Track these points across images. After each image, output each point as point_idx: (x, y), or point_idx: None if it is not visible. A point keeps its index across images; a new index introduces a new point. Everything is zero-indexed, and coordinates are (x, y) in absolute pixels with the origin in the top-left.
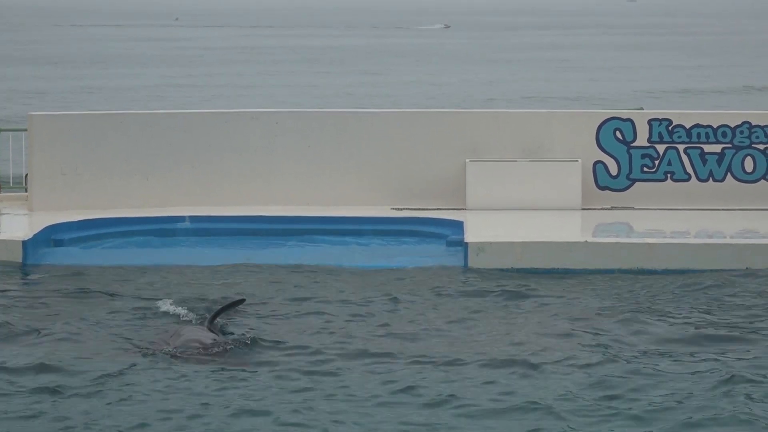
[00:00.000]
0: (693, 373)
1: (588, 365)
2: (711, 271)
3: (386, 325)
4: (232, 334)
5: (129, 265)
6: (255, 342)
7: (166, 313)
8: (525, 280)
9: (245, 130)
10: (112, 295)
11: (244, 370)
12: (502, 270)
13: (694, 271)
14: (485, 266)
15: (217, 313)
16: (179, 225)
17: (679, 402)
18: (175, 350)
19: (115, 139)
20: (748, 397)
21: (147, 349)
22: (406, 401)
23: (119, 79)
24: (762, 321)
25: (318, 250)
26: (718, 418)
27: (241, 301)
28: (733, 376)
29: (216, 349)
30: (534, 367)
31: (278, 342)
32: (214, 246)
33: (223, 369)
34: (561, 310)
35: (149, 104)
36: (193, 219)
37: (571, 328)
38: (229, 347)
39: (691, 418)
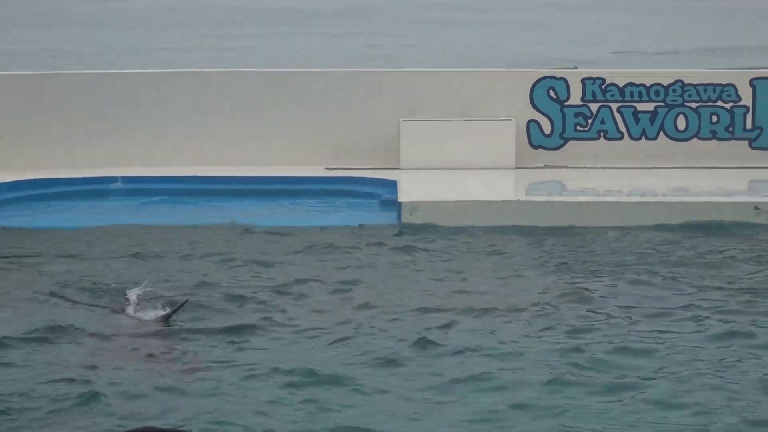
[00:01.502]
0: (626, 324)
1: (523, 320)
2: (643, 227)
3: (320, 283)
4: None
5: (59, 228)
6: (191, 304)
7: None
8: (458, 238)
9: (178, 91)
10: (39, 256)
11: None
12: (435, 229)
13: (626, 229)
14: (418, 225)
15: (168, 316)
16: (111, 186)
17: (609, 353)
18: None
19: (44, 100)
20: (676, 343)
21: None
22: (342, 358)
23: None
24: (693, 276)
25: (252, 211)
26: (639, 356)
27: (185, 302)
28: (661, 326)
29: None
30: (467, 323)
31: (214, 303)
32: (147, 207)
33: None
34: (494, 268)
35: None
36: (126, 179)
37: (505, 285)
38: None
39: (620, 369)
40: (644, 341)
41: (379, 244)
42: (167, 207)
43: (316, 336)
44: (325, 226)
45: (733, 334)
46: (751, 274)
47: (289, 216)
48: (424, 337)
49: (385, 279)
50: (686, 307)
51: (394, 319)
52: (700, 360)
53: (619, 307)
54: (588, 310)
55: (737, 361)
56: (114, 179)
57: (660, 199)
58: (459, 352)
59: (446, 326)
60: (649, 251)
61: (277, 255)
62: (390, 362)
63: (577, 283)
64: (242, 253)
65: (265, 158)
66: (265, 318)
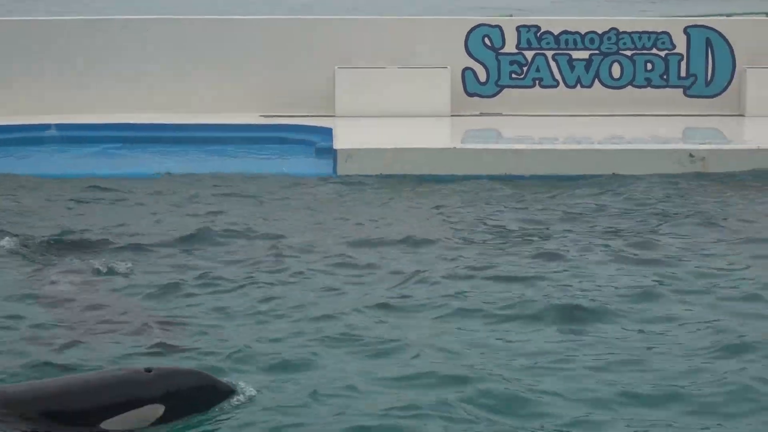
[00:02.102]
0: (558, 271)
1: (456, 266)
2: (579, 176)
3: (254, 231)
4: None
5: None
6: (134, 270)
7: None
8: (394, 186)
9: (114, 38)
10: None
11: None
12: (371, 176)
13: (562, 177)
14: (354, 173)
15: None
16: (45, 133)
17: (540, 298)
18: None
19: None
20: (603, 292)
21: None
22: (283, 305)
23: None
24: (627, 223)
25: (186, 158)
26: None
27: None
28: (590, 274)
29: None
30: (407, 268)
31: (150, 254)
32: (82, 154)
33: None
34: (430, 215)
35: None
36: (60, 127)
37: (442, 232)
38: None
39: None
40: (573, 287)
41: (315, 191)
42: (100, 155)
43: (246, 285)
44: (260, 173)
45: (661, 283)
46: (686, 221)
47: (224, 164)
48: (358, 284)
49: (319, 226)
50: (618, 255)
51: (327, 266)
52: (623, 298)
53: (552, 253)
54: (522, 257)
55: (661, 307)
56: (47, 126)
57: (595, 146)
58: (391, 298)
59: (381, 273)
60: (584, 199)
61: (211, 203)
62: (309, 309)
63: (512, 230)
64: (177, 201)
65: (200, 106)
66: (196, 267)
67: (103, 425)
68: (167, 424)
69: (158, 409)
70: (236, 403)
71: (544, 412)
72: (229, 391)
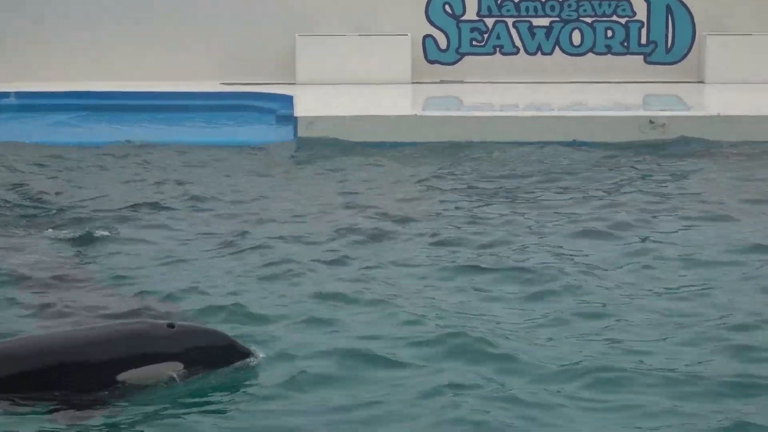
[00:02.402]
0: (520, 237)
1: (416, 233)
2: (539, 143)
3: (216, 200)
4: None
5: None
6: (99, 237)
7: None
8: (355, 153)
9: (74, 4)
10: None
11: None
12: (331, 144)
13: (522, 144)
14: (315, 140)
15: None
16: (4, 101)
17: (502, 265)
18: None
19: None
20: (572, 259)
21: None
22: (247, 270)
23: None
24: (587, 189)
25: (146, 127)
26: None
27: None
28: (554, 241)
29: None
30: (362, 237)
31: (108, 222)
32: (41, 123)
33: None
34: (391, 182)
35: None
36: (19, 95)
37: (403, 199)
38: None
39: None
40: (535, 255)
41: (275, 159)
42: (59, 123)
43: (211, 249)
44: (221, 141)
45: (627, 250)
46: (644, 187)
47: (184, 132)
48: (318, 251)
49: (280, 194)
50: (578, 221)
51: (288, 233)
52: (590, 267)
53: (514, 221)
54: (482, 224)
55: (615, 272)
56: (6, 95)
57: (555, 113)
58: (351, 265)
59: (341, 240)
60: (545, 166)
61: (170, 171)
62: (280, 277)
63: (472, 197)
64: (136, 170)
65: (160, 73)
66: (159, 233)
67: (119, 377)
68: (182, 382)
69: (177, 366)
70: (251, 365)
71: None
72: (247, 354)
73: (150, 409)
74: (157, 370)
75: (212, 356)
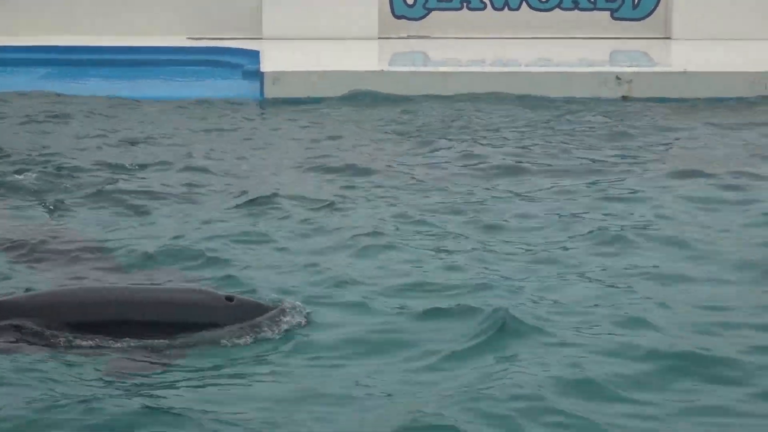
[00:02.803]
0: (489, 189)
1: (380, 186)
2: (506, 97)
3: (187, 156)
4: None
5: None
6: (64, 192)
7: None
8: (321, 108)
9: None
10: None
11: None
12: (298, 99)
13: (490, 99)
14: (281, 96)
15: None
16: None
17: (465, 218)
18: None
19: None
20: (523, 211)
21: None
22: (212, 231)
23: None
24: (555, 145)
25: (113, 81)
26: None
27: None
28: (516, 189)
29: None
30: (326, 191)
31: (78, 176)
32: (6, 75)
33: None
34: (356, 136)
35: None
36: None
37: (368, 153)
38: None
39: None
40: (493, 208)
41: (242, 114)
42: (27, 77)
43: (173, 204)
44: (188, 96)
45: (588, 204)
46: (610, 143)
47: (152, 87)
48: (281, 202)
49: (246, 148)
50: (539, 176)
51: (252, 187)
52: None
53: (475, 175)
54: (444, 177)
55: (571, 224)
56: None
57: (522, 69)
58: (316, 218)
59: (303, 192)
60: (512, 121)
61: (137, 126)
62: (249, 233)
63: (438, 150)
64: (103, 124)
65: (127, 28)
66: (124, 189)
67: (172, 341)
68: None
69: (231, 335)
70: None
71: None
72: (291, 321)
73: (188, 378)
74: (212, 338)
75: (262, 327)
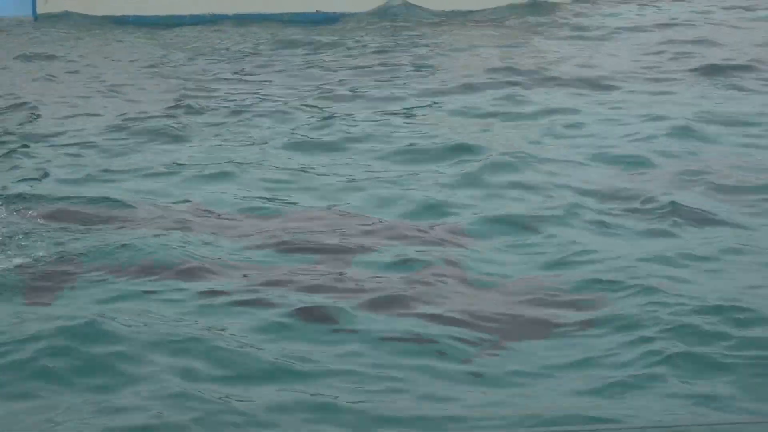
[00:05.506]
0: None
1: (143, 100)
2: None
3: None
4: None
5: None
6: None
7: None
8: (93, 27)
9: None
10: None
11: None
12: (70, 17)
13: (219, 17)
14: (53, 13)
15: None
16: None
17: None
18: None
19: None
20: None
21: None
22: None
23: None
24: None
25: None
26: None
27: None
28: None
29: None
30: (115, 105)
31: None
32: None
33: None
34: (134, 56)
35: None
36: None
37: (145, 74)
38: None
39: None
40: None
41: (13, 34)
42: None
43: None
44: None
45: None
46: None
47: None
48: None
49: (20, 70)
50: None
51: (35, 104)
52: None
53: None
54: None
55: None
56: None
57: None
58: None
59: (98, 112)
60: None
61: None
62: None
63: (212, 73)
64: None
65: None
66: None
67: None
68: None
69: None
70: None
71: None
72: None
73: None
74: None
75: None
